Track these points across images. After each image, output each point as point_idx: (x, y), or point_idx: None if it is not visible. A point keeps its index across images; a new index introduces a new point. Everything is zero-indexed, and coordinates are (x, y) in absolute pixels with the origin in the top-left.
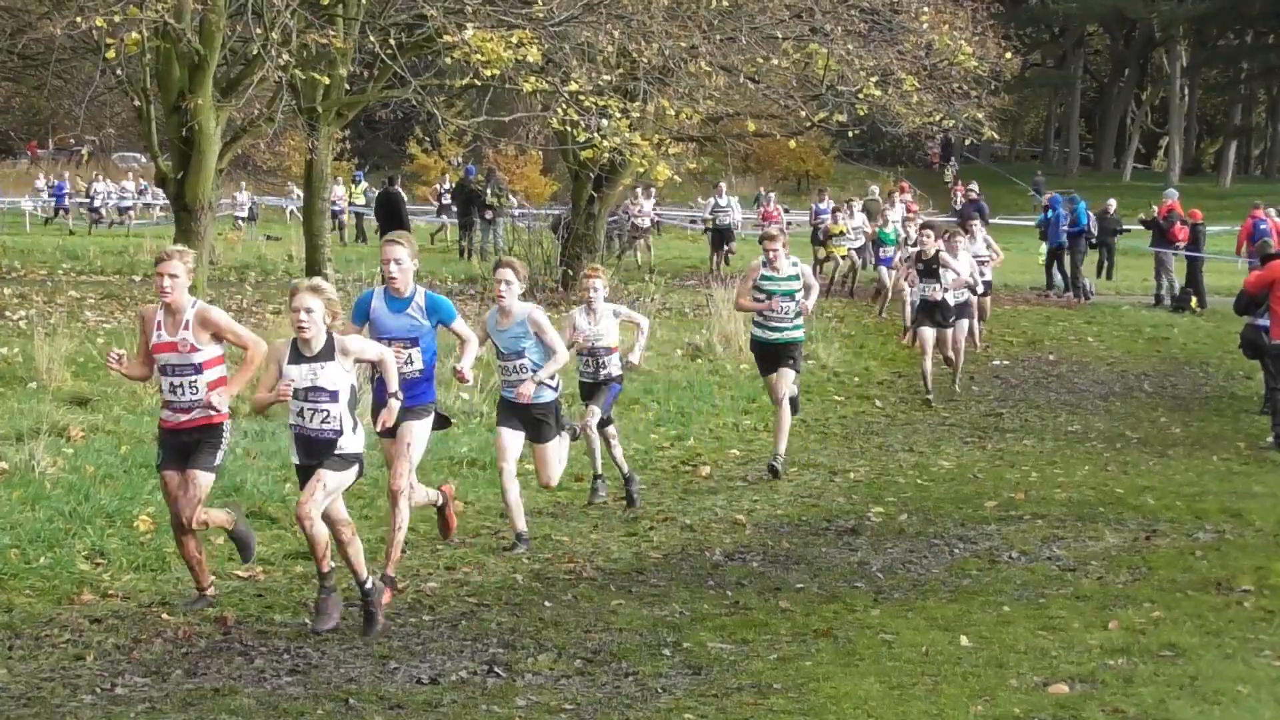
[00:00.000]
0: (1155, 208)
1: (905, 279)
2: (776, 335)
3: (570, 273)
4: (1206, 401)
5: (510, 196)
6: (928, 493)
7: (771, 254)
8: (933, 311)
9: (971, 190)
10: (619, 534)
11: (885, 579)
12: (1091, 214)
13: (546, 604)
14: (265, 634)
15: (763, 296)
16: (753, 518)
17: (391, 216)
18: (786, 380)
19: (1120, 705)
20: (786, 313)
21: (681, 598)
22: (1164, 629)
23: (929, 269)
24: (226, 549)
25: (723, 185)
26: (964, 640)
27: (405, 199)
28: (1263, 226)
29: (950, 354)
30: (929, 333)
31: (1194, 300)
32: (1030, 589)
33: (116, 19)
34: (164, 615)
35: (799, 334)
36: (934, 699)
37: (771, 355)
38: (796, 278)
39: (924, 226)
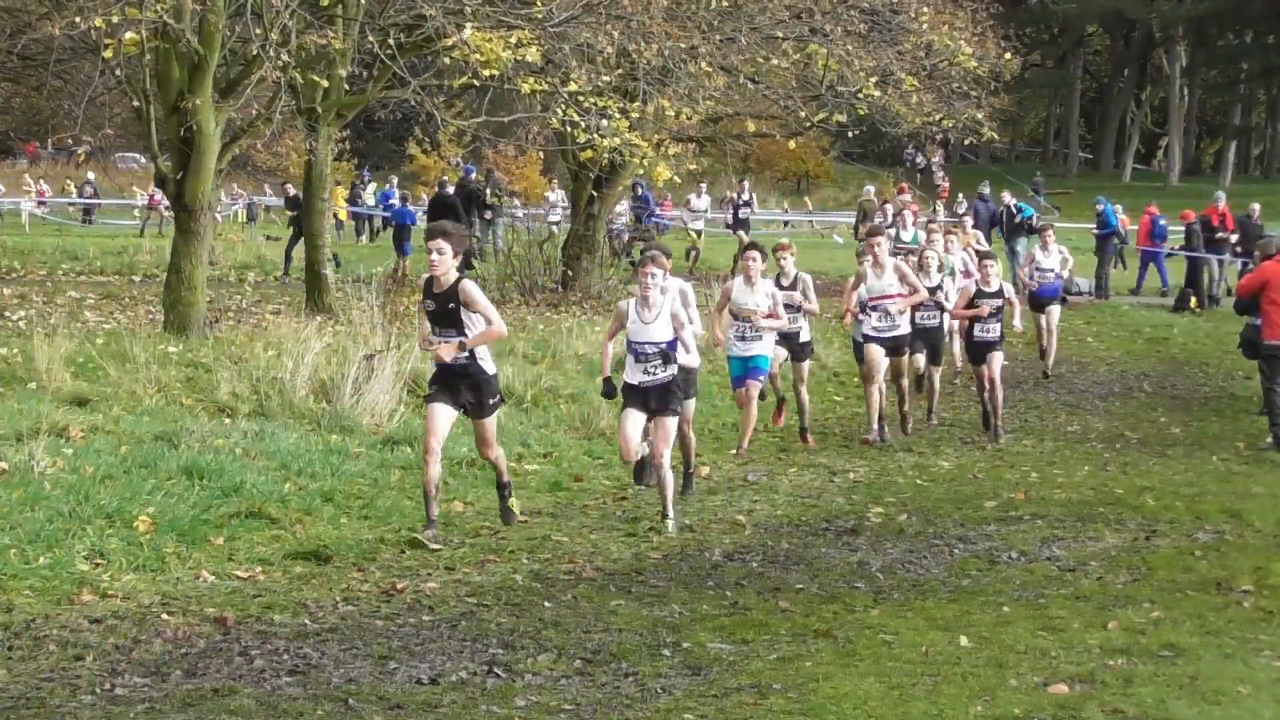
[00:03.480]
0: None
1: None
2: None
3: (570, 273)
4: (1206, 401)
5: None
6: (927, 493)
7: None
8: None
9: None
10: (619, 534)
11: (885, 579)
12: (1123, 216)
13: (546, 604)
14: (265, 634)
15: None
16: (752, 518)
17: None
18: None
19: (1120, 705)
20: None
21: (681, 598)
22: (1164, 629)
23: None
24: (227, 549)
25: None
26: (964, 640)
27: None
28: (1161, 222)
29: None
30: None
31: (1193, 300)
32: (1030, 589)
33: (115, 19)
34: (164, 615)
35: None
36: (934, 699)
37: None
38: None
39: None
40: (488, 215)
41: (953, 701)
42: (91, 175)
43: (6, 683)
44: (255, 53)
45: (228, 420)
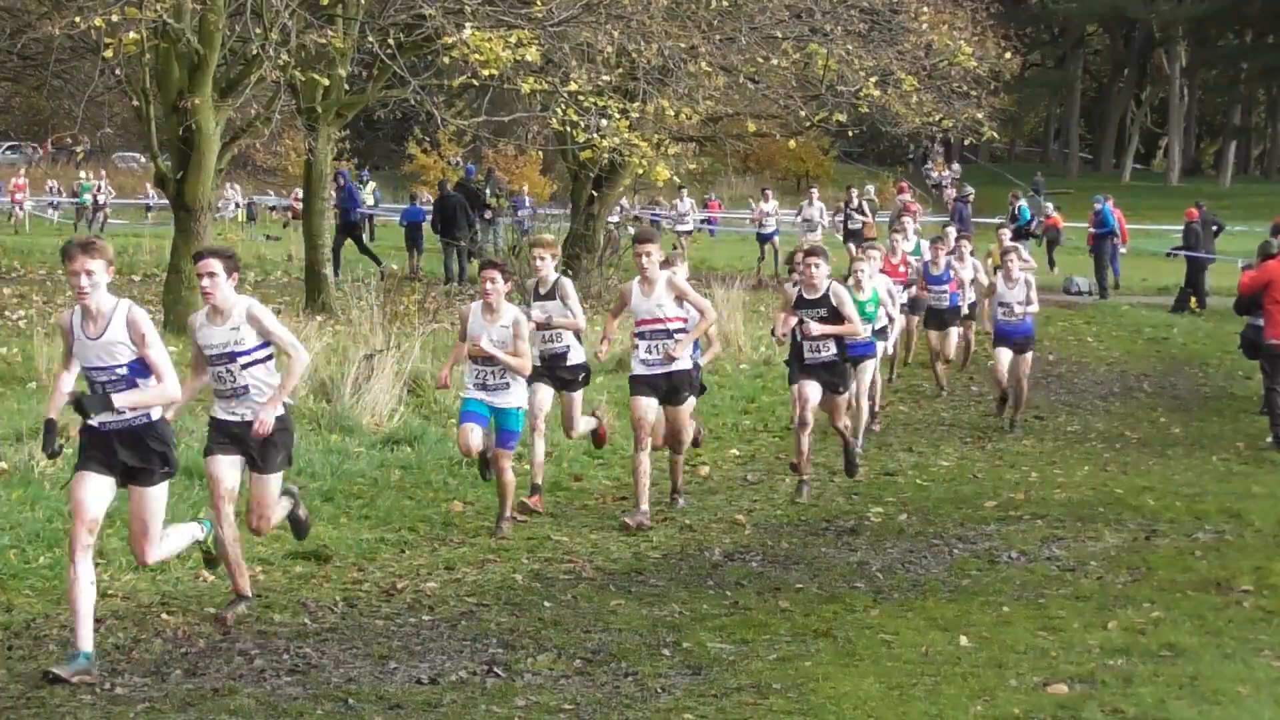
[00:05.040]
0: None
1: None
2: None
3: (569, 272)
4: (1206, 401)
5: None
6: (927, 493)
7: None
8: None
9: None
10: (619, 534)
11: (885, 579)
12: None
13: (546, 604)
14: (265, 634)
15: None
16: (752, 518)
17: (448, 220)
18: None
19: (1120, 705)
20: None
21: (681, 598)
22: (1164, 629)
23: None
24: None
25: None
26: (964, 640)
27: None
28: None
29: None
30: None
31: (1193, 300)
32: (1030, 589)
33: (115, 19)
34: (164, 615)
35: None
36: (934, 699)
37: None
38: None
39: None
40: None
41: (953, 701)
42: (85, 174)
43: (6, 683)
44: (255, 52)
45: None
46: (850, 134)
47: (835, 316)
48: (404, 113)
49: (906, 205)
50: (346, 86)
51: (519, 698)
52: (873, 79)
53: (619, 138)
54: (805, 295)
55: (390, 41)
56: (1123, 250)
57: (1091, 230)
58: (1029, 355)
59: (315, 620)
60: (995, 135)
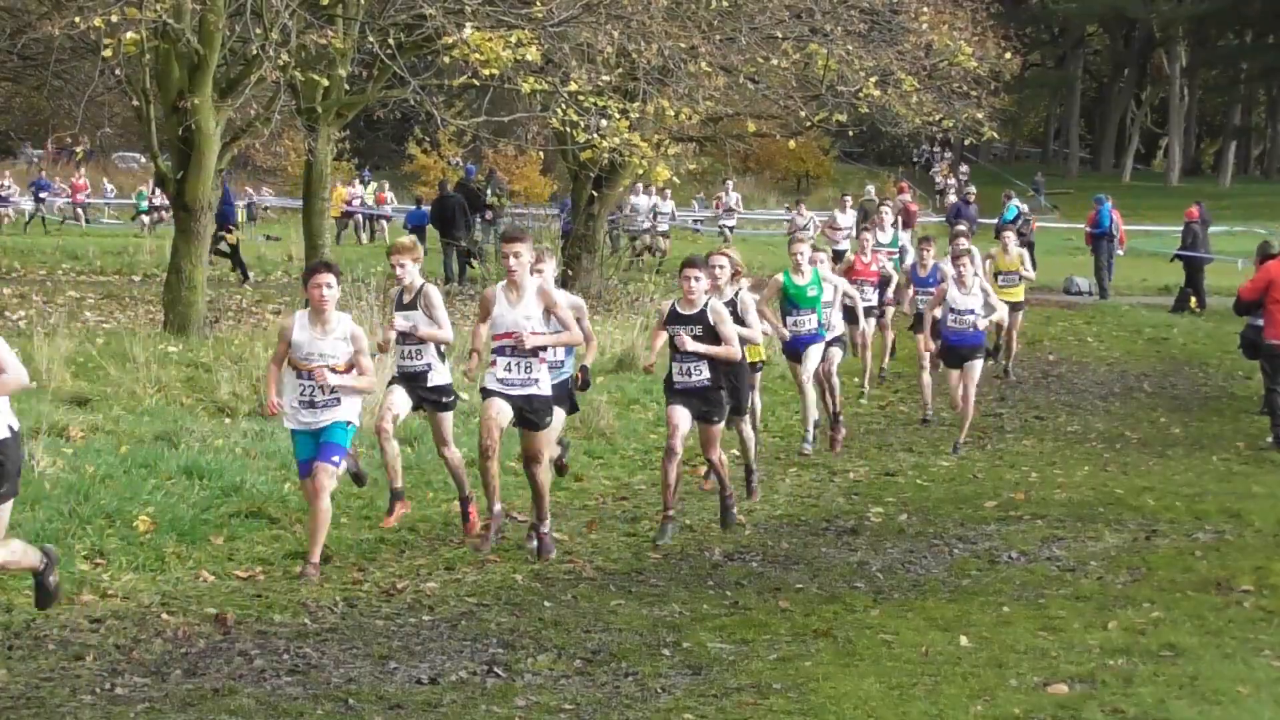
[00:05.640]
0: None
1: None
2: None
3: (570, 272)
4: (1206, 401)
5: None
6: (927, 493)
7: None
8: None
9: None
10: (619, 534)
11: (885, 579)
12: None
13: (546, 604)
14: (265, 634)
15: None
16: (752, 518)
17: (447, 220)
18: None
19: (1120, 705)
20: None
21: (681, 598)
22: (1164, 629)
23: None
24: (227, 549)
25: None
26: (964, 640)
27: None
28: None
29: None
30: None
31: (1193, 300)
32: (1030, 589)
33: (115, 19)
34: (164, 615)
35: None
36: (934, 699)
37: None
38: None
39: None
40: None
41: (953, 701)
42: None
43: (6, 683)
44: (255, 52)
45: (228, 420)
46: (850, 134)
47: (712, 335)
48: (404, 113)
49: (907, 205)
50: (346, 86)
51: (519, 698)
52: (873, 79)
53: (619, 138)
54: (680, 310)
55: (390, 41)
56: (1119, 253)
57: (1088, 230)
58: (976, 366)
59: (315, 620)
60: (995, 135)
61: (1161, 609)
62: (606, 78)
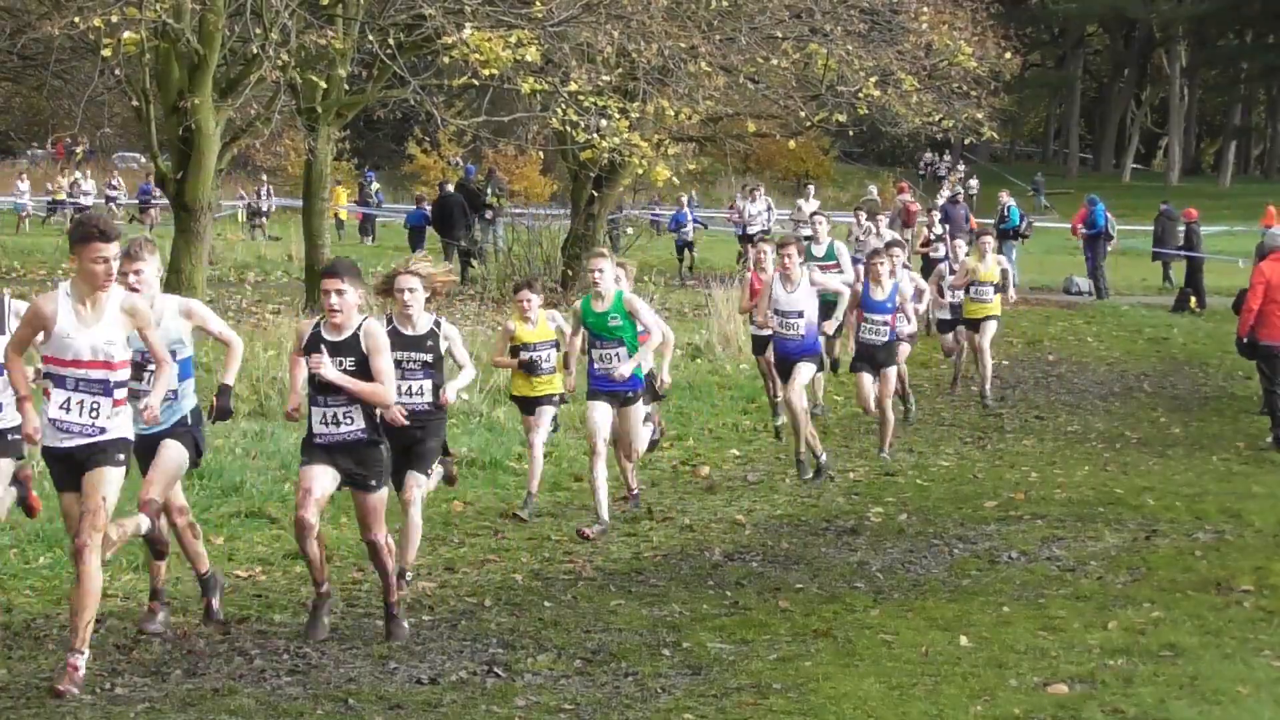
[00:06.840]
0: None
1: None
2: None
3: (570, 272)
4: (1206, 401)
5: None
6: (928, 493)
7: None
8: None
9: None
10: (619, 534)
11: (885, 579)
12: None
13: (546, 604)
14: (265, 634)
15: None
16: (752, 518)
17: (447, 220)
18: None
19: (1120, 705)
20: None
21: (681, 598)
22: (1164, 629)
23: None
24: (226, 548)
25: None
26: (964, 640)
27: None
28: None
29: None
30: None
31: (1193, 300)
32: (1030, 589)
33: (115, 19)
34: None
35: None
36: (934, 699)
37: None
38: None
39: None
40: (488, 215)
41: (953, 701)
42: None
43: (7, 683)
44: (255, 53)
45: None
46: (850, 134)
47: (363, 369)
48: (404, 113)
49: (907, 205)
50: (346, 86)
51: (519, 698)
52: (873, 79)
53: (619, 138)
54: (325, 334)
55: (390, 41)
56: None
57: (1083, 230)
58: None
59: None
60: (995, 135)
61: (1161, 609)
62: (606, 78)
